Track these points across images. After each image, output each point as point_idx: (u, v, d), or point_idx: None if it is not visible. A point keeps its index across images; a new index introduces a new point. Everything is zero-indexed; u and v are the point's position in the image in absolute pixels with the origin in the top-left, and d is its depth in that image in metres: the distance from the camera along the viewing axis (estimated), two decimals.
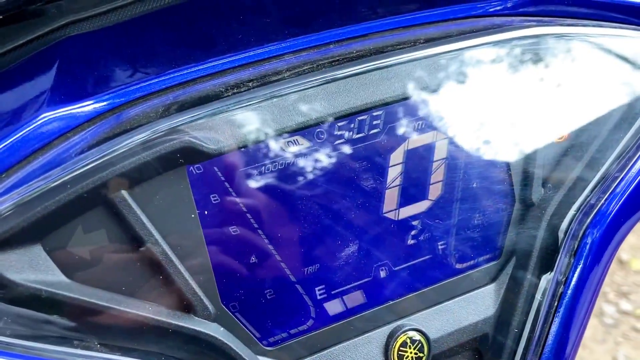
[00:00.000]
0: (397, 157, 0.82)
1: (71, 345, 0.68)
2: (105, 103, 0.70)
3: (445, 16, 0.83)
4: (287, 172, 0.76)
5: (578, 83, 0.88)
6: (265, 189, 0.76)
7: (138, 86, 0.72)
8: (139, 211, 0.69)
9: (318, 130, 0.76)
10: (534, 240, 0.90)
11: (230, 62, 0.75)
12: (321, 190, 0.78)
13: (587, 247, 0.85)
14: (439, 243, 0.87)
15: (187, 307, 0.74)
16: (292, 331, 0.83)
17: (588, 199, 0.88)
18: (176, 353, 0.75)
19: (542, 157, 0.89)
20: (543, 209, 0.90)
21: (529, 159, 0.89)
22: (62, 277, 0.68)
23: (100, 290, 0.70)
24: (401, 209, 0.84)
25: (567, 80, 0.87)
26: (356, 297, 0.85)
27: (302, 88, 0.75)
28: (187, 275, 0.73)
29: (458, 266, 0.90)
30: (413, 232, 0.85)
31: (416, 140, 0.82)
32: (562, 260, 0.87)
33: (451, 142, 0.84)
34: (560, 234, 0.88)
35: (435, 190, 0.85)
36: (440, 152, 0.84)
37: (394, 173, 0.82)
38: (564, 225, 0.88)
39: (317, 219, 0.79)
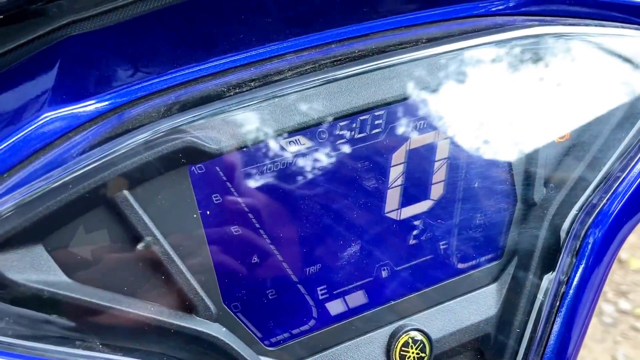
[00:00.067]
0: (398, 156, 0.81)
1: (73, 346, 0.68)
2: (106, 103, 0.70)
3: (447, 16, 0.83)
4: (289, 172, 0.76)
5: (580, 82, 0.88)
6: (267, 189, 0.76)
7: (140, 86, 0.72)
8: (140, 211, 0.69)
9: (319, 130, 0.76)
10: (536, 240, 0.90)
11: (232, 62, 0.75)
12: (323, 190, 0.78)
13: (589, 247, 0.85)
14: (441, 243, 0.87)
15: (188, 307, 0.74)
16: (294, 331, 0.82)
17: (590, 198, 0.88)
18: (178, 353, 0.75)
19: (544, 157, 0.89)
20: (545, 209, 0.90)
21: (530, 159, 0.89)
22: (64, 277, 0.68)
23: (102, 291, 0.70)
24: (403, 209, 0.84)
25: (568, 79, 0.87)
26: (358, 297, 0.85)
27: (303, 88, 0.75)
28: (188, 275, 0.73)
29: (460, 266, 0.90)
30: (415, 232, 0.85)
31: (418, 140, 0.82)
32: (564, 260, 0.87)
33: (453, 141, 0.84)
34: (562, 234, 0.88)
35: (437, 190, 0.85)
36: (442, 151, 0.84)
37: (396, 173, 0.82)
38: (565, 225, 0.88)
39: (319, 218, 0.79)
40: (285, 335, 0.82)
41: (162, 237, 0.71)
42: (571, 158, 0.91)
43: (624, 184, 0.87)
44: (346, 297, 0.84)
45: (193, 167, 0.71)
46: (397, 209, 0.83)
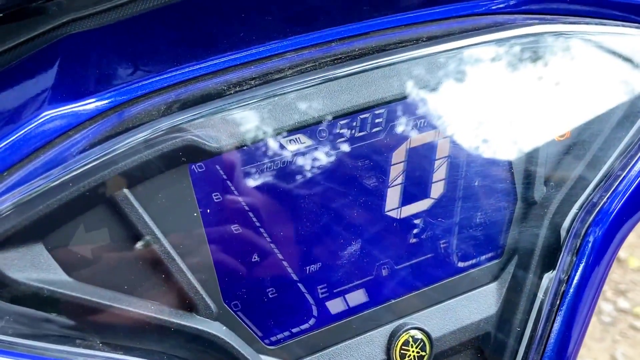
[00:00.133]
0: (399, 155, 0.81)
1: (73, 344, 0.68)
2: (107, 101, 0.70)
3: (447, 14, 0.83)
4: (289, 171, 0.76)
5: (580, 81, 0.88)
6: (267, 188, 0.75)
7: (140, 84, 0.71)
8: (141, 210, 0.69)
9: (320, 128, 0.76)
10: (536, 239, 0.90)
11: (233, 60, 0.75)
12: (323, 188, 0.78)
13: (590, 245, 0.85)
14: (441, 242, 0.87)
15: (189, 305, 0.74)
16: (294, 330, 0.82)
17: (590, 197, 0.88)
18: (178, 352, 0.75)
19: (544, 155, 0.89)
20: (545, 208, 0.90)
21: (531, 157, 0.89)
22: (64, 276, 0.68)
23: (102, 289, 0.70)
24: (403, 208, 0.84)
25: (568, 78, 0.87)
26: (358, 296, 0.85)
27: (304, 86, 0.75)
28: (189, 273, 0.73)
29: (460, 265, 0.90)
30: (415, 231, 0.85)
31: (418, 138, 0.82)
32: (565, 258, 0.86)
33: (453, 140, 0.84)
34: (563, 233, 0.88)
35: (437, 189, 0.85)
36: (442, 150, 0.84)
37: (396, 171, 0.82)
38: (566, 223, 0.88)
39: (319, 217, 0.79)
40: (286, 333, 0.82)
41: (162, 235, 0.71)
42: (571, 157, 0.91)
43: (624, 182, 0.87)
44: (346, 295, 0.84)
45: (193, 166, 0.71)
46: (398, 208, 0.83)
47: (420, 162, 0.83)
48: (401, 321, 0.87)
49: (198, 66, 0.74)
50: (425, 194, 0.85)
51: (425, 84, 0.79)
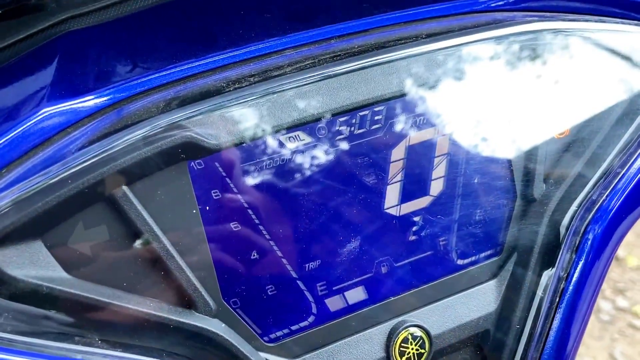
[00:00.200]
0: (398, 152, 0.81)
1: (72, 342, 0.68)
2: (106, 98, 0.70)
3: (447, 11, 0.83)
4: (288, 168, 0.76)
5: (579, 78, 0.88)
6: (266, 185, 0.75)
7: (139, 81, 0.71)
8: (140, 207, 0.69)
9: (319, 125, 0.76)
10: (536, 236, 0.90)
11: (232, 57, 0.75)
12: (322, 186, 0.78)
13: (589, 243, 0.85)
14: (440, 239, 0.87)
15: (188, 303, 0.74)
16: (293, 327, 0.82)
17: (590, 194, 0.88)
18: (177, 349, 0.75)
19: (544, 153, 0.89)
20: (544, 205, 0.90)
21: (530, 155, 0.89)
22: (63, 273, 0.68)
23: (101, 286, 0.70)
24: (402, 205, 0.84)
25: (568, 75, 0.87)
26: (357, 294, 0.85)
27: (303, 83, 0.75)
28: (188, 271, 0.73)
29: (459, 262, 0.90)
30: (414, 228, 0.85)
31: (417, 135, 0.82)
32: (564, 256, 0.86)
33: (452, 137, 0.84)
34: (562, 230, 0.88)
35: (436, 186, 0.85)
36: (442, 147, 0.84)
37: (395, 169, 0.82)
38: (565, 221, 0.88)
39: (318, 214, 0.79)
40: (285, 331, 0.82)
41: (161, 232, 0.71)
42: (571, 154, 0.91)
43: (623, 180, 0.87)
44: (345, 293, 0.84)
45: (192, 163, 0.71)
46: (397, 205, 0.83)
47: (419, 160, 0.83)
48: (400, 319, 0.87)
49: (197, 63, 0.74)
50: (424, 192, 0.85)
51: (425, 81, 0.79)
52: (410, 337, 0.86)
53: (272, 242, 0.78)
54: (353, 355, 0.85)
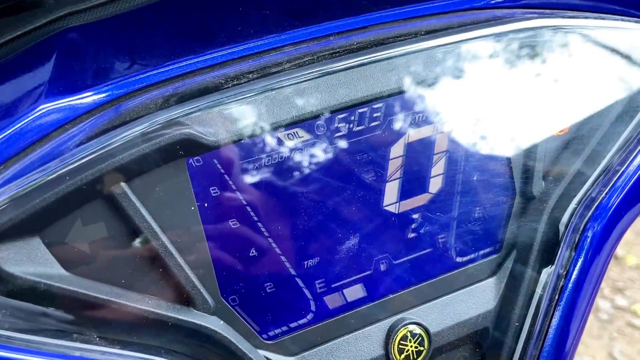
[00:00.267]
0: (397, 150, 0.81)
1: (70, 339, 0.67)
2: (104, 95, 0.69)
3: (446, 8, 0.83)
4: (287, 165, 0.76)
5: (578, 75, 0.88)
6: (264, 182, 0.75)
7: (137, 78, 0.71)
8: (138, 203, 0.69)
9: (318, 122, 0.76)
10: (535, 234, 0.90)
11: (230, 54, 0.75)
12: (321, 183, 0.78)
13: (588, 240, 0.85)
14: (440, 236, 0.87)
15: (186, 300, 0.74)
16: (292, 325, 0.82)
17: (589, 192, 0.88)
18: (175, 346, 0.75)
19: (543, 150, 0.89)
20: (544, 202, 0.90)
21: (529, 152, 0.89)
22: (61, 270, 0.67)
23: (100, 283, 0.70)
24: (401, 202, 0.83)
25: (567, 72, 0.87)
26: (356, 291, 0.85)
27: (302, 80, 0.74)
28: (186, 268, 0.73)
29: (458, 260, 0.89)
30: (413, 226, 0.85)
31: (416, 133, 0.81)
32: (563, 253, 0.86)
33: (452, 135, 0.83)
34: (561, 228, 0.88)
35: (435, 184, 0.85)
36: (441, 145, 0.83)
37: (394, 166, 0.82)
38: (564, 218, 0.88)
39: (317, 211, 0.79)
40: (283, 328, 0.82)
41: (159, 229, 0.71)
42: (570, 151, 0.91)
43: (622, 177, 0.87)
44: (344, 290, 0.84)
45: (191, 160, 0.71)
46: (396, 202, 0.83)
47: (418, 157, 0.83)
48: (399, 316, 0.87)
49: (196, 60, 0.74)
50: (423, 189, 0.84)
51: (424, 78, 0.79)
52: (409, 334, 0.86)
53: (270, 240, 0.78)
54: (352, 352, 0.85)
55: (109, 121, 0.68)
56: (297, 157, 0.76)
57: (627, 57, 0.89)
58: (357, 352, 0.85)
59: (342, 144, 0.78)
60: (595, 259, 0.86)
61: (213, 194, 0.73)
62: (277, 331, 0.82)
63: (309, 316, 0.83)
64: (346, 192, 0.80)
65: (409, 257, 0.86)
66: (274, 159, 0.75)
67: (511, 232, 0.91)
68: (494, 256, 0.92)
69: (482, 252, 0.91)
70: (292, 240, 0.79)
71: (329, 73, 0.76)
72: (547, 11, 0.86)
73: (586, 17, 0.87)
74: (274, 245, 0.78)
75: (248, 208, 0.75)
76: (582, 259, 0.85)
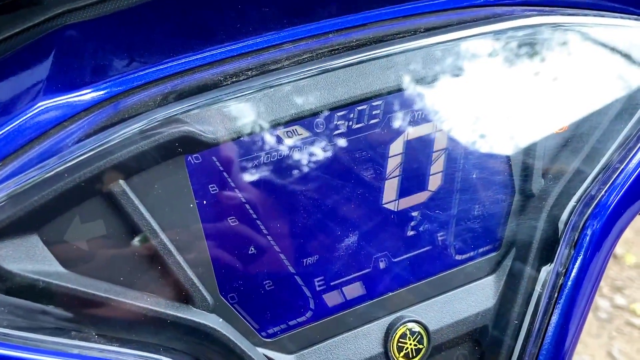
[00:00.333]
0: (396, 147, 0.81)
1: (68, 336, 0.67)
2: (102, 92, 0.69)
3: (445, 5, 0.83)
4: (286, 163, 0.76)
5: (578, 73, 0.88)
6: (263, 180, 0.75)
7: (136, 75, 0.71)
8: (137, 201, 0.69)
9: (317, 120, 0.76)
10: (534, 232, 0.90)
11: (229, 51, 0.75)
12: (320, 180, 0.78)
13: (587, 238, 0.85)
14: (439, 234, 0.87)
15: (185, 298, 0.74)
16: (291, 322, 0.82)
17: (588, 190, 0.88)
18: (174, 344, 0.74)
19: (542, 148, 0.89)
20: (543, 200, 0.90)
21: (529, 150, 0.89)
22: (60, 268, 0.67)
23: (98, 281, 0.70)
24: (401, 200, 0.83)
25: (567, 70, 0.87)
26: (355, 289, 0.85)
27: (301, 77, 0.74)
28: (185, 266, 0.73)
29: (457, 257, 0.89)
30: (413, 223, 0.85)
31: (416, 130, 0.81)
32: (562, 251, 0.86)
33: (451, 132, 0.83)
34: (561, 225, 0.87)
35: (435, 181, 0.85)
36: (440, 142, 0.83)
37: (394, 163, 0.81)
38: (564, 216, 0.88)
39: (316, 209, 0.79)
40: (282, 326, 0.82)
41: (157, 227, 0.71)
42: (569, 149, 0.91)
43: (622, 175, 0.87)
44: (343, 288, 0.84)
45: (189, 157, 0.71)
46: (395, 200, 0.83)
47: (417, 155, 0.83)
48: (398, 314, 0.87)
49: (194, 57, 0.74)
50: (422, 187, 0.84)
51: (423, 75, 0.79)
52: (408, 332, 0.86)
53: (269, 237, 0.77)
54: (351, 350, 0.85)
55: (107, 118, 0.68)
56: (296, 154, 0.76)
57: (627, 55, 0.89)
58: (356, 350, 0.85)
59: (341, 141, 0.78)
60: (595, 256, 0.86)
61: (212, 192, 0.73)
62: (276, 329, 0.81)
63: (308, 314, 0.83)
64: (345, 189, 0.80)
65: (408, 255, 0.86)
66: (272, 156, 0.75)
67: (510, 230, 0.91)
68: (493, 254, 0.92)
69: (481, 250, 0.91)
70: (291, 238, 0.79)
71: (328, 70, 0.75)
72: (547, 9, 0.86)
73: (585, 15, 0.87)
74: (273, 243, 0.78)
75: (247, 206, 0.75)
76: (581, 256, 0.85)
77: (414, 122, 0.81)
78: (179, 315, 0.73)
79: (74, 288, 0.67)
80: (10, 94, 0.71)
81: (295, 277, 0.80)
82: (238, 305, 0.78)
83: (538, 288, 0.87)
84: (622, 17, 0.89)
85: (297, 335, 0.83)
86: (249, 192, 0.75)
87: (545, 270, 0.87)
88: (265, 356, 0.80)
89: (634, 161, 0.87)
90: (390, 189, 0.82)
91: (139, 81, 0.71)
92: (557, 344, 0.86)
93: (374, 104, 0.78)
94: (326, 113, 0.76)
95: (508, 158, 0.88)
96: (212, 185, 0.73)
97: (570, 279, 0.85)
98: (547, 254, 0.89)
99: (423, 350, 0.87)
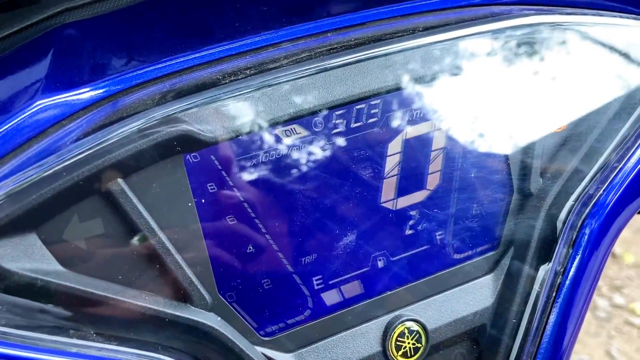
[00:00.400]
0: (395, 146, 0.81)
1: (67, 335, 0.67)
2: (101, 90, 0.69)
3: (444, 4, 0.83)
4: (284, 162, 0.76)
5: (576, 72, 0.88)
6: (262, 178, 0.75)
7: (134, 74, 0.71)
8: (135, 200, 0.69)
9: (315, 119, 0.76)
10: (532, 231, 0.90)
11: (228, 50, 0.75)
12: (319, 179, 0.78)
13: (586, 237, 0.85)
14: (437, 233, 0.87)
15: (183, 296, 0.74)
16: (289, 321, 0.82)
17: (586, 189, 0.88)
18: (173, 343, 0.74)
19: (541, 147, 0.89)
20: (541, 199, 0.90)
21: (527, 149, 0.89)
22: (58, 266, 0.67)
23: (97, 280, 0.70)
24: (399, 199, 0.83)
25: (565, 69, 0.87)
26: (354, 288, 0.85)
27: (299, 76, 0.74)
28: (183, 264, 0.73)
29: (456, 256, 0.89)
30: (411, 222, 0.85)
31: (414, 129, 0.81)
32: (561, 250, 0.86)
33: (449, 132, 0.83)
34: (559, 224, 0.88)
35: (433, 180, 0.85)
36: (439, 141, 0.83)
37: (392, 162, 0.82)
38: (562, 215, 0.88)
39: (315, 208, 0.79)
40: (281, 325, 0.82)
41: (156, 225, 0.71)
42: (568, 148, 0.91)
43: (620, 174, 0.87)
44: (342, 287, 0.84)
45: (188, 156, 0.71)
46: (393, 199, 0.83)
47: (416, 154, 0.83)
48: (397, 313, 0.87)
49: (193, 56, 0.74)
50: (421, 186, 0.84)
51: (422, 74, 0.79)
52: (406, 331, 0.86)
53: (268, 236, 0.77)
54: (349, 349, 0.85)
55: (106, 117, 0.68)
56: (295, 153, 0.76)
57: (625, 54, 0.89)
58: (354, 348, 0.85)
59: (340, 140, 0.78)
60: (593, 256, 0.86)
61: (210, 191, 0.73)
62: (274, 328, 0.81)
63: (306, 313, 0.83)
64: (343, 188, 0.80)
65: (406, 254, 0.86)
66: (271, 155, 0.75)
67: (508, 229, 0.91)
68: (492, 253, 0.92)
69: (479, 249, 0.91)
70: (289, 236, 0.79)
71: (326, 69, 0.76)
72: (545, 8, 0.86)
73: (584, 14, 0.87)
74: (271, 241, 0.78)
75: (245, 204, 0.75)
76: (579, 256, 0.85)
77: (412, 121, 0.81)
78: (177, 313, 0.73)
79: (72, 287, 0.67)
80: (9, 93, 0.71)
81: (294, 275, 0.81)
82: (236, 304, 0.78)
83: (536, 287, 0.87)
84: (620, 17, 0.89)
85: (295, 334, 0.83)
86: (248, 191, 0.75)
87: (544, 269, 0.87)
88: (264, 355, 0.80)
89: (632, 160, 0.87)
90: (388, 187, 0.82)
91: (138, 80, 0.71)
92: (555, 343, 0.86)
93: (372, 102, 0.78)
94: (325, 112, 0.76)
95: (506, 157, 0.88)
96: (210, 184, 0.73)
97: (569, 278, 0.85)
98: (545, 253, 0.89)
99: (421, 349, 0.87)
